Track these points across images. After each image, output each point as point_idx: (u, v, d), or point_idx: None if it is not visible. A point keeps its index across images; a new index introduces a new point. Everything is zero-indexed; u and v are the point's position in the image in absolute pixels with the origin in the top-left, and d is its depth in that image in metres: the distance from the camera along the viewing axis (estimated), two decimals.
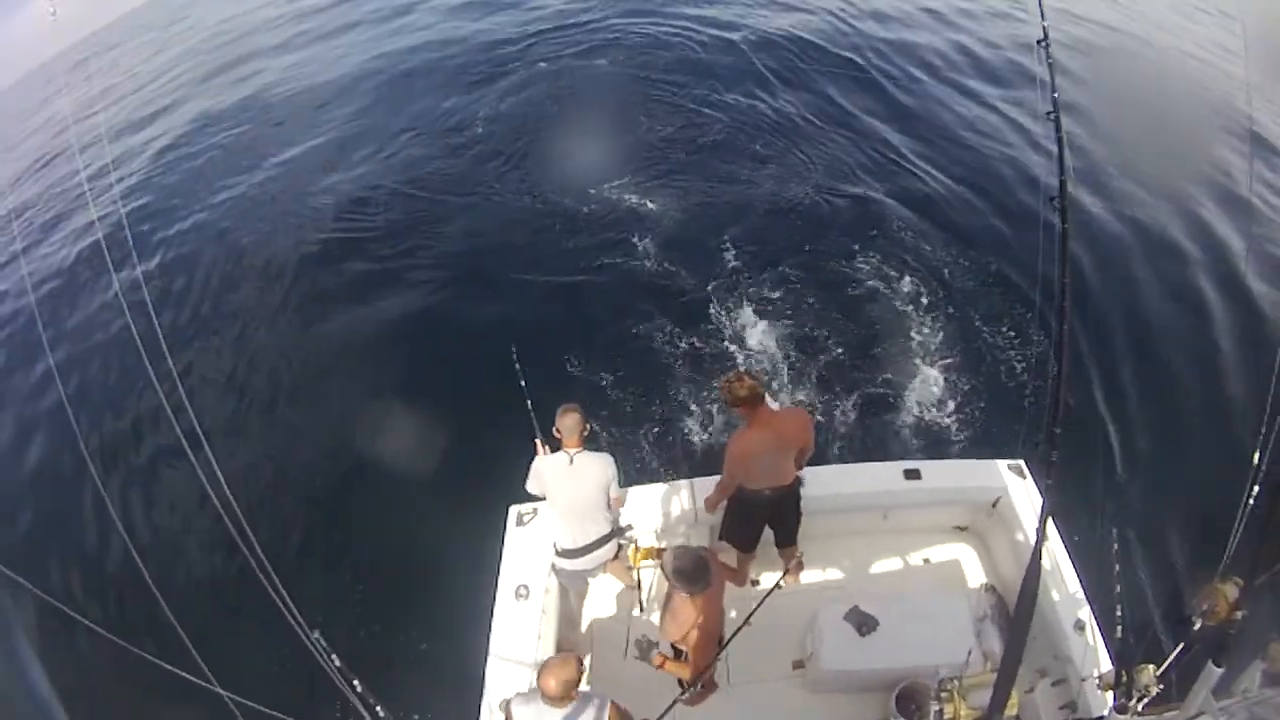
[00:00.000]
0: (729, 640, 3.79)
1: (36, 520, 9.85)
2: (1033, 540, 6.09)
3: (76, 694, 7.47)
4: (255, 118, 20.88)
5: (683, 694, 4.62)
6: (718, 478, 6.34)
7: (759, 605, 3.98)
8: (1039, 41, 3.69)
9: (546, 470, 5.75)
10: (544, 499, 5.95)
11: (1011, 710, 2.97)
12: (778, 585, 4.50)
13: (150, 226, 15.85)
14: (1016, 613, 2.83)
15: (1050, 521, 6.24)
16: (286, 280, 13.41)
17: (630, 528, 6.17)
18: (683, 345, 10.86)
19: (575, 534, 5.81)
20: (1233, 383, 10.10)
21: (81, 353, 12.56)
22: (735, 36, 19.82)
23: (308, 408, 10.81)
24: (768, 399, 5.69)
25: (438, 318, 11.78)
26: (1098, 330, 10.95)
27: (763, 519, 6.23)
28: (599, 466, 5.75)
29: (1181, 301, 11.77)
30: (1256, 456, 3.89)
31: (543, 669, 4.30)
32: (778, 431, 5.68)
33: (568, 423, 5.65)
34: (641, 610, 6.54)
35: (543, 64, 19.51)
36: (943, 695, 3.98)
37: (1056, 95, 3.05)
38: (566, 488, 5.73)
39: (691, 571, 4.89)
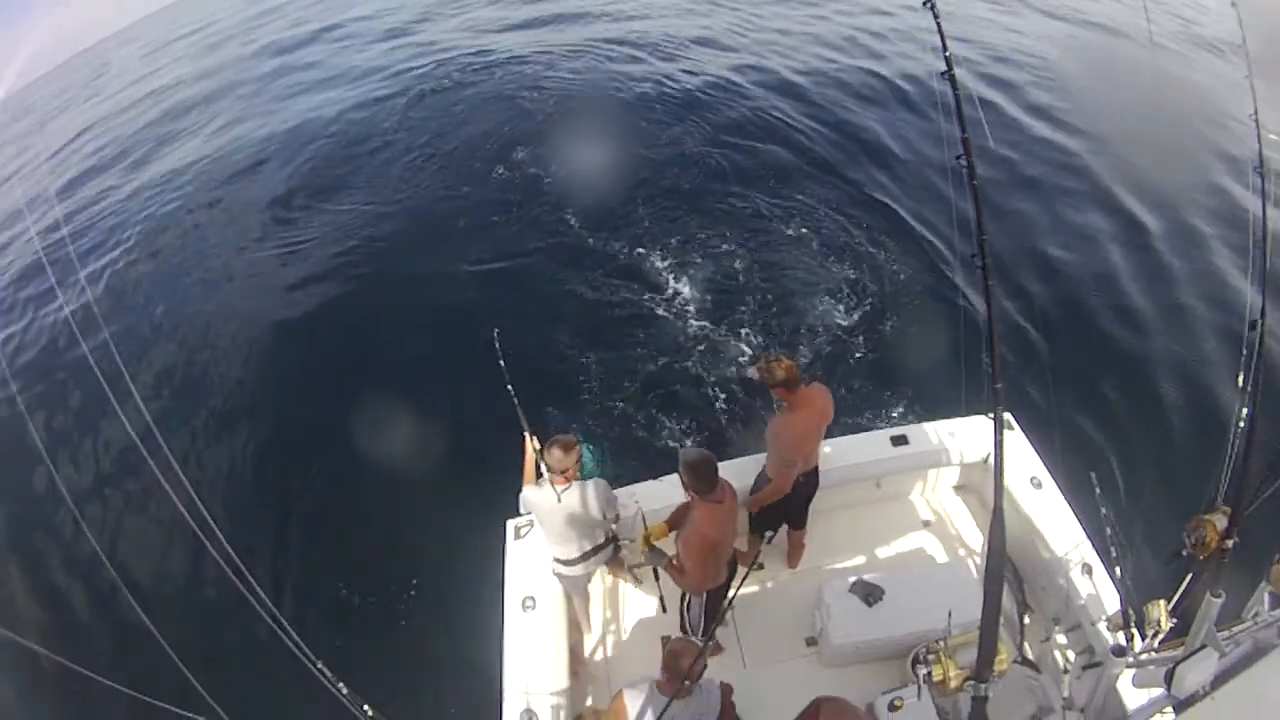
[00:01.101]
0: (732, 597, 3.75)
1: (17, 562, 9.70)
2: (1027, 493, 6.11)
3: None
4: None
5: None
6: (742, 460, 6.34)
7: (739, 585, 3.96)
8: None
9: (535, 502, 5.59)
10: None
11: (1002, 665, 2.94)
12: (757, 564, 4.46)
13: (93, 244, 16.12)
14: (987, 568, 2.81)
15: (1042, 468, 6.25)
16: (240, 285, 13.66)
17: (616, 530, 6.04)
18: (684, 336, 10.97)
19: (570, 550, 5.75)
20: (1212, 309, 10.38)
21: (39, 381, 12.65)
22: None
23: (284, 419, 10.78)
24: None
25: (408, 317, 11.88)
26: (1060, 279, 11.41)
27: (789, 504, 6.13)
28: (590, 500, 5.54)
29: (1153, 232, 12.23)
30: (1241, 378, 3.86)
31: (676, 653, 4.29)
32: (818, 410, 5.68)
33: (555, 458, 5.36)
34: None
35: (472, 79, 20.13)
36: (930, 658, 3.94)
37: (949, 54, 3.00)
38: (557, 521, 5.59)
39: (697, 463, 4.96)
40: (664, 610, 6.03)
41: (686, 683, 4.26)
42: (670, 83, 18.58)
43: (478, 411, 8.88)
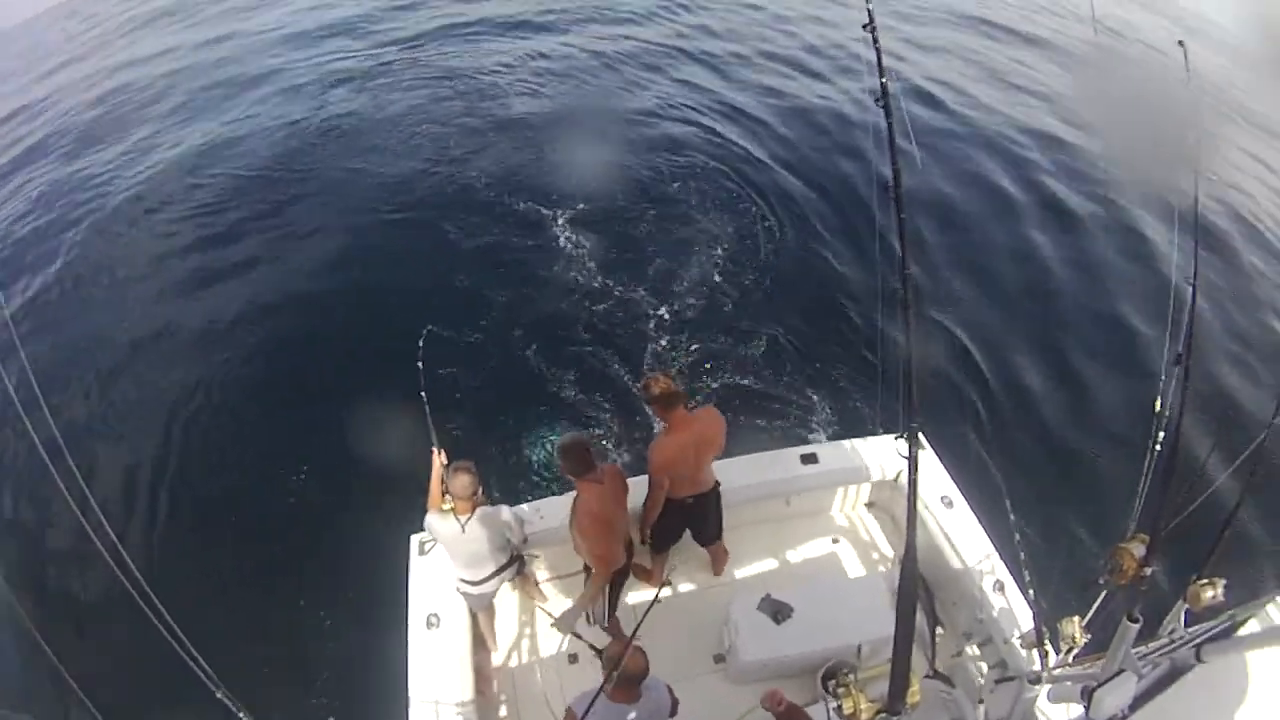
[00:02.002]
0: (642, 619, 3.75)
1: None
2: (939, 511, 6.21)
3: None
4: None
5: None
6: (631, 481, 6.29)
7: (645, 615, 3.95)
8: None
9: (439, 531, 5.54)
10: None
11: (914, 698, 2.98)
12: (657, 600, 4.49)
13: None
14: (900, 594, 2.83)
15: (953, 488, 6.37)
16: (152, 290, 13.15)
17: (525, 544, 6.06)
18: (586, 343, 10.98)
19: (476, 573, 5.74)
20: (1128, 337, 10.73)
21: None
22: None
23: (186, 427, 10.41)
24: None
25: (317, 325, 11.61)
26: (979, 289, 11.73)
27: (684, 524, 6.23)
28: (492, 528, 5.58)
29: (1069, 256, 12.68)
30: (1158, 403, 3.97)
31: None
32: (697, 433, 5.66)
33: (459, 486, 5.34)
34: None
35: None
36: (839, 690, 3.96)
37: (885, 80, 3.01)
38: (462, 549, 5.59)
39: (570, 446, 5.27)
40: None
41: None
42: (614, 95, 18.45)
43: (388, 418, 8.70)
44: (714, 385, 10.23)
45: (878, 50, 3.11)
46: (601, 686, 3.95)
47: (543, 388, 10.25)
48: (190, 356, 11.44)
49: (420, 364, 5.92)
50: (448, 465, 5.54)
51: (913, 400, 2.90)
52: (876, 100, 3.04)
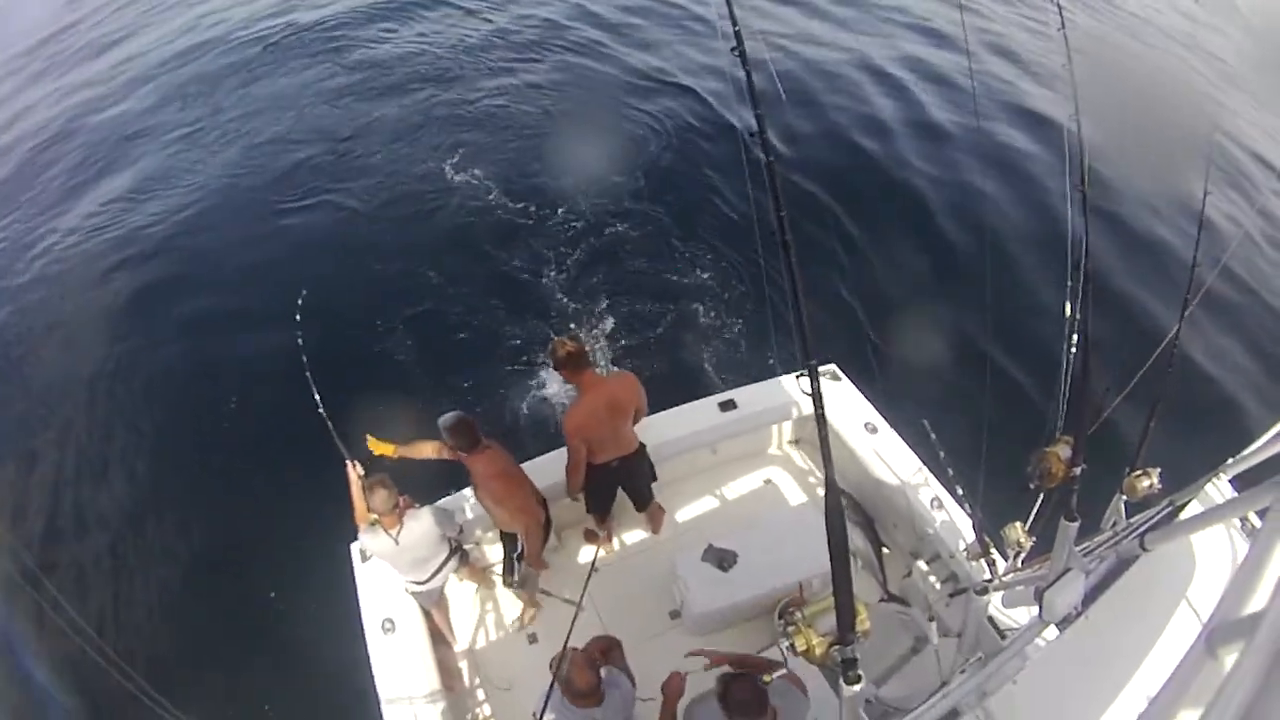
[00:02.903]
0: (583, 593, 3.77)
1: None
2: (862, 440, 6.31)
3: None
4: None
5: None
6: (554, 453, 6.33)
7: (585, 587, 3.98)
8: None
9: (374, 548, 5.59)
10: None
11: (864, 625, 3.03)
12: (594, 569, 4.52)
13: None
14: (828, 527, 2.84)
15: (875, 413, 6.50)
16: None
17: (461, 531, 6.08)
18: (481, 320, 10.75)
19: (420, 574, 5.77)
20: (1030, 260, 10.84)
21: None
22: None
23: (97, 441, 10.09)
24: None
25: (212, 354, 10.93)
26: (863, 216, 11.82)
27: (615, 487, 6.28)
28: (425, 529, 5.59)
29: (956, 173, 12.75)
30: (1068, 308, 4.06)
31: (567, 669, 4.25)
32: (609, 396, 5.68)
33: (378, 503, 5.33)
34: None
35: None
36: (790, 629, 4.03)
37: (738, 29, 2.99)
38: (403, 558, 5.62)
39: (456, 424, 5.40)
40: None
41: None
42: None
43: (298, 432, 8.55)
44: (621, 345, 10.24)
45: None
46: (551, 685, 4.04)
47: (445, 366, 10.09)
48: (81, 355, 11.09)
49: (309, 375, 5.77)
50: (364, 476, 5.51)
51: (806, 338, 2.89)
52: (732, 49, 3.01)
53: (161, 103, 17.35)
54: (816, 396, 2.87)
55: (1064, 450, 3.60)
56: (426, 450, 5.71)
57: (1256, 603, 2.09)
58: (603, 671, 4.50)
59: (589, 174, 13.07)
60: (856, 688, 2.88)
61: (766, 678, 4.34)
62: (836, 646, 2.97)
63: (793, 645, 3.73)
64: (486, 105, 15.36)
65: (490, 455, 5.54)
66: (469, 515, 6.21)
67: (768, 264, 10.02)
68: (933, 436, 5.03)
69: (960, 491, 4.86)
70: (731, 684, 3.85)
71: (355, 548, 6.05)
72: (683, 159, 13.89)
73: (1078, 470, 3.53)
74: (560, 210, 12.44)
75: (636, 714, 4.96)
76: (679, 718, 4.47)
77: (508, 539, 5.94)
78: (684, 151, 14.09)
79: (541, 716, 4.06)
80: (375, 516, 5.42)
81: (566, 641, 3.83)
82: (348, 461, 5.59)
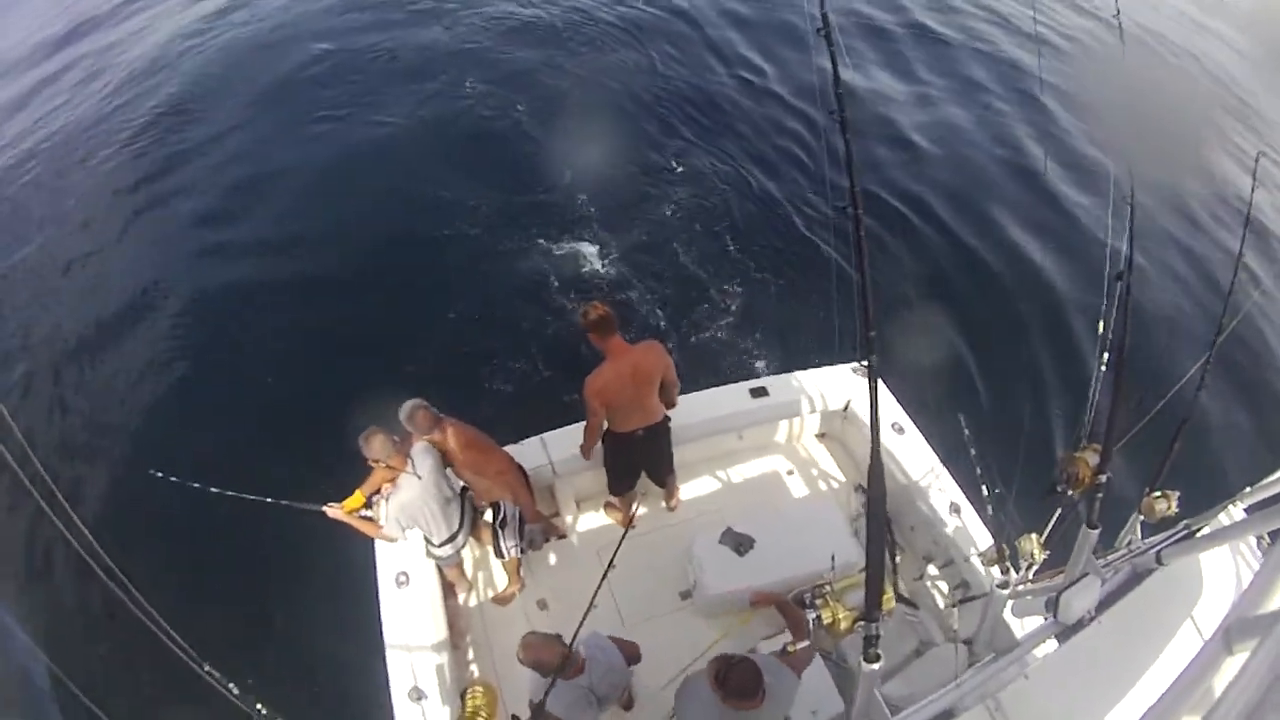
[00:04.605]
0: (599, 584, 3.82)
1: None
2: (891, 439, 6.31)
3: None
4: None
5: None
6: (571, 428, 6.38)
7: (618, 549, 4.03)
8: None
9: (411, 503, 5.53)
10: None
11: (889, 604, 3.08)
12: (632, 525, 4.56)
13: None
14: (869, 511, 2.92)
15: (903, 415, 6.48)
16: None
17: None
18: (504, 291, 10.85)
19: (442, 529, 5.78)
20: (1068, 268, 10.72)
21: None
22: None
23: (144, 407, 10.18)
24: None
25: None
26: (923, 216, 11.74)
27: (638, 460, 6.29)
28: (434, 462, 5.61)
29: (1013, 178, 12.59)
30: (1101, 326, 4.10)
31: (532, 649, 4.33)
32: (634, 364, 5.65)
33: (378, 447, 5.30)
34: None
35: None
36: (817, 601, 4.09)
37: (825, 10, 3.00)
38: (431, 501, 5.61)
39: (413, 411, 5.36)
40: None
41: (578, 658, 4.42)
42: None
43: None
44: (660, 324, 10.24)
45: None
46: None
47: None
48: (149, 316, 11.24)
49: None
50: (342, 504, 5.52)
51: (869, 327, 2.94)
52: (818, 30, 3.05)
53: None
54: (873, 382, 2.93)
55: (1092, 457, 3.63)
56: (378, 478, 5.59)
57: (1274, 603, 2.16)
58: (581, 649, 4.53)
59: (645, 145, 13.47)
60: (875, 666, 2.94)
61: (791, 647, 4.39)
62: (861, 623, 3.02)
63: (819, 617, 3.79)
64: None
65: (456, 428, 5.56)
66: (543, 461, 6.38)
67: (833, 248, 10.18)
68: (966, 433, 5.02)
69: (985, 492, 4.86)
70: (732, 669, 3.85)
71: (382, 572, 6.00)
72: (755, 134, 14.06)
73: (1103, 478, 3.57)
74: (609, 181, 12.59)
75: (633, 684, 5.11)
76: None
77: (493, 515, 6.02)
78: (757, 127, 14.26)
79: (543, 702, 4.10)
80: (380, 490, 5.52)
81: (606, 573, 3.90)
82: (323, 509, 5.52)
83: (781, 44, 16.90)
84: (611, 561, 3.89)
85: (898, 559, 6.07)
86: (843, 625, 3.99)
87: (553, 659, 4.27)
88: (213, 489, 5.52)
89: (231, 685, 3.32)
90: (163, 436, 9.58)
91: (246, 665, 3.56)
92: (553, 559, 6.60)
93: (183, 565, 8.07)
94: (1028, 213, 12.13)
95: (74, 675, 3.52)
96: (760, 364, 9.67)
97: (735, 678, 3.82)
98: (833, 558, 5.10)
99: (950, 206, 12.27)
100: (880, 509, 2.91)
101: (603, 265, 11.26)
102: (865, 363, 3.00)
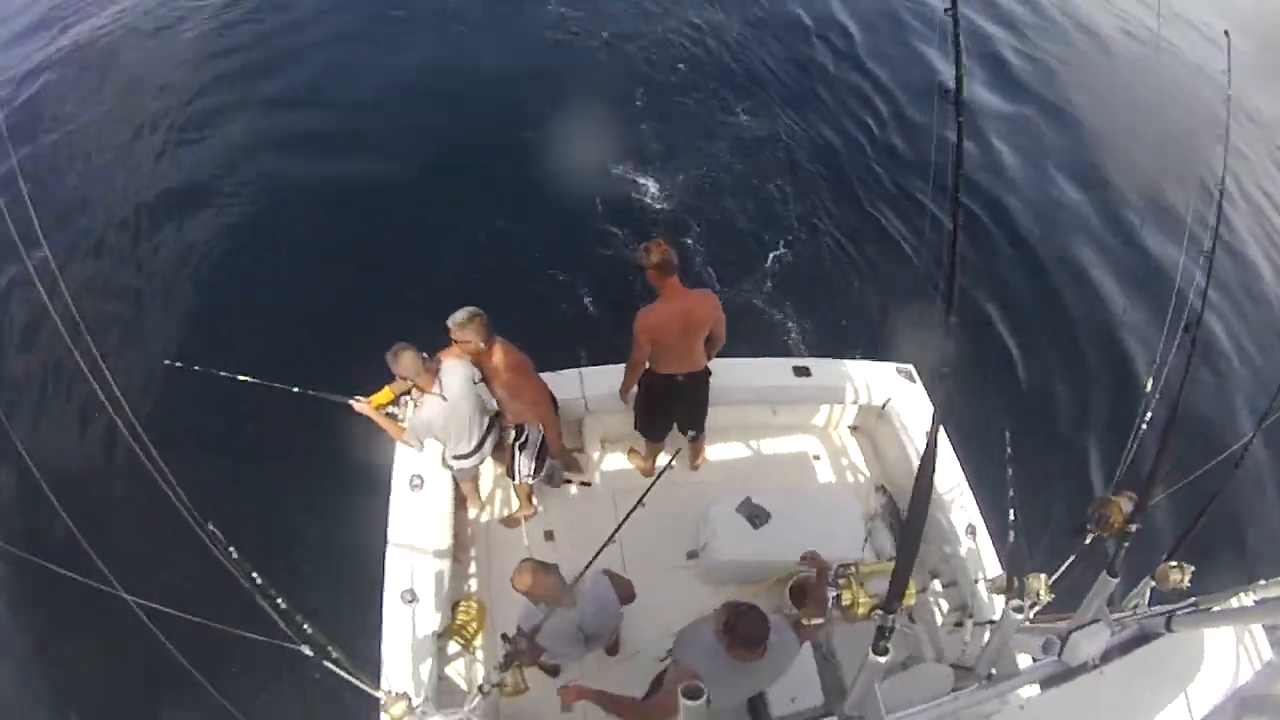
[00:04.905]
0: (622, 522, 3.82)
1: None
2: (921, 444, 6.23)
3: None
4: None
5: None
6: (610, 367, 6.40)
7: (649, 488, 4.02)
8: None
9: (433, 422, 5.47)
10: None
11: (910, 600, 3.06)
12: (670, 465, 4.54)
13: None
14: (911, 508, 2.90)
15: (940, 427, 6.44)
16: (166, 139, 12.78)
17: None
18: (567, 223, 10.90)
19: (463, 443, 5.76)
20: (1133, 309, 10.47)
21: None
22: None
23: (195, 295, 10.29)
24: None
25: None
26: (1002, 239, 11.47)
27: (673, 405, 6.26)
28: (463, 379, 5.54)
29: (1090, 227, 12.26)
30: (1150, 384, 4.04)
31: (526, 575, 4.32)
32: (687, 308, 5.63)
33: (407, 363, 5.24)
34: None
35: None
36: (840, 581, 4.07)
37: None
38: (454, 424, 5.58)
39: (475, 315, 5.25)
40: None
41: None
42: None
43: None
44: (708, 274, 10.25)
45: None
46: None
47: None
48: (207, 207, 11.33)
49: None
50: (370, 399, 5.57)
51: (948, 333, 2.88)
52: (946, 10, 2.97)
53: None
54: (940, 398, 2.89)
55: (1126, 504, 3.59)
56: (402, 385, 5.60)
57: None
58: (587, 580, 4.53)
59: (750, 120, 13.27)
60: (882, 660, 2.93)
61: (806, 621, 4.41)
62: (879, 612, 3.00)
63: (839, 596, 3.77)
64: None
65: (505, 347, 5.49)
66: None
67: (905, 237, 10.44)
68: (1009, 451, 4.93)
69: (1011, 517, 4.79)
70: (741, 616, 3.82)
71: (398, 471, 6.05)
72: (850, 104, 14.08)
73: (1133, 528, 3.53)
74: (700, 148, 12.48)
75: (621, 629, 5.20)
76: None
77: (515, 436, 5.96)
78: (856, 97, 14.29)
79: (536, 629, 4.13)
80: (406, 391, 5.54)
81: (620, 525, 3.89)
82: (350, 403, 5.57)
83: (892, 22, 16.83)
84: (640, 501, 3.88)
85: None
86: (860, 610, 4.00)
87: (545, 589, 4.30)
88: (240, 377, 5.69)
89: (232, 550, 3.33)
90: (200, 315, 9.83)
91: (252, 539, 3.58)
92: (570, 491, 6.63)
93: (206, 441, 8.27)
94: (1107, 246, 11.96)
95: (87, 533, 3.51)
96: (797, 338, 9.63)
97: (743, 626, 3.81)
98: (865, 541, 5.07)
99: (1031, 224, 12.07)
100: (924, 502, 2.90)
101: (660, 203, 11.33)
102: (944, 370, 2.92)
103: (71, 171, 12.11)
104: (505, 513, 6.55)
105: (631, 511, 3.82)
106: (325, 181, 11.36)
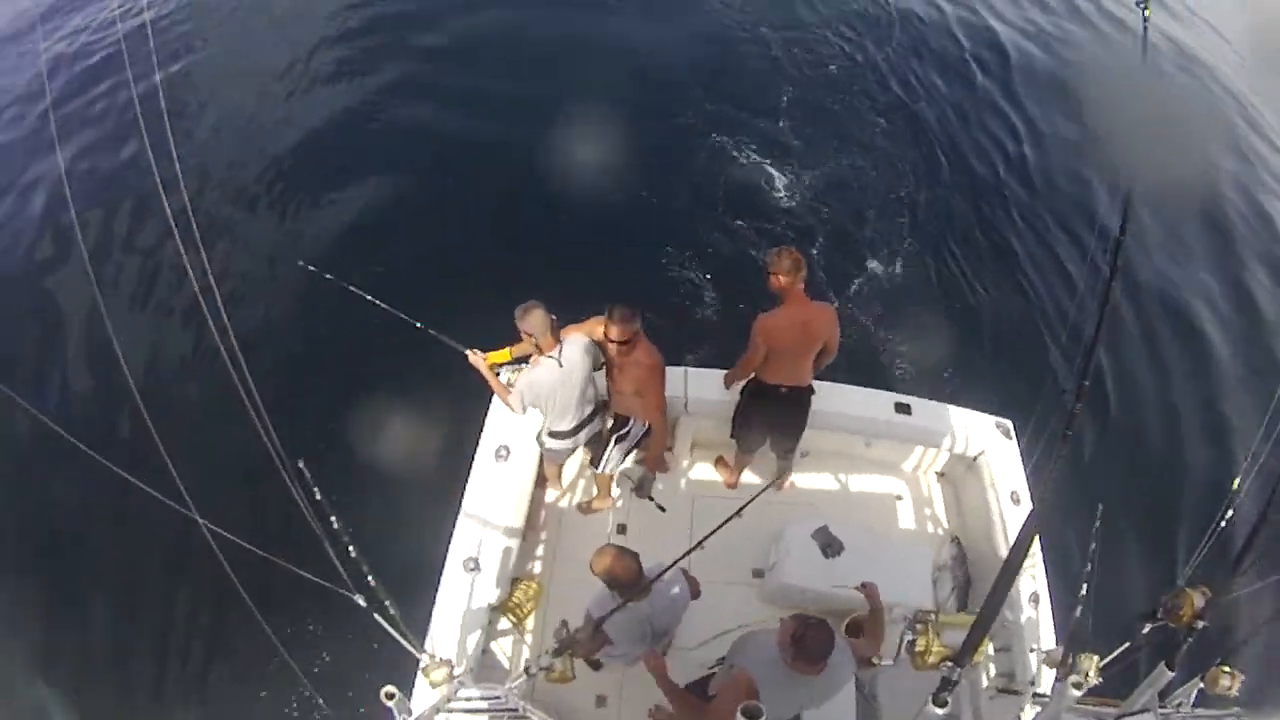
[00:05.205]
0: (709, 535, 3.82)
1: (27, 331, 9.49)
2: (1007, 505, 6.13)
3: (54, 508, 7.69)
4: None
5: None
6: (717, 371, 6.38)
7: (749, 502, 4.00)
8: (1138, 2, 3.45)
9: (542, 385, 5.40)
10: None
11: (980, 657, 3.04)
12: (765, 489, 4.53)
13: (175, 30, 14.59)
14: (1004, 568, 2.87)
15: (1025, 485, 6.30)
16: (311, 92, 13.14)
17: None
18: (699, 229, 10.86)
19: (567, 420, 5.71)
20: (1233, 399, 10.04)
21: (90, 150, 11.81)
22: None
23: (328, 214, 10.74)
24: None
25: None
26: (1129, 309, 10.90)
27: (771, 417, 6.21)
28: (582, 351, 5.47)
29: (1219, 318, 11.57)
30: (1237, 482, 3.94)
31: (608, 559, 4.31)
32: (808, 319, 5.61)
33: (536, 321, 5.19)
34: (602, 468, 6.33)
35: None
36: (918, 626, 4.05)
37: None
38: (561, 394, 5.51)
39: (629, 313, 5.14)
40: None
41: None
42: None
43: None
44: (821, 282, 10.13)
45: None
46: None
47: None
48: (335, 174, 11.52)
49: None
50: (487, 354, 5.56)
51: (1081, 397, 2.80)
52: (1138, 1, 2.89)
53: None
54: (1054, 457, 2.85)
55: (1199, 598, 3.52)
56: (527, 348, 5.53)
57: None
58: (665, 576, 4.51)
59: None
60: (940, 711, 2.91)
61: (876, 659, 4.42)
62: (948, 663, 2.99)
63: (914, 641, 3.76)
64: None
65: (648, 347, 5.42)
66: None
67: (1037, 287, 10.24)
68: (1097, 524, 4.82)
69: (1083, 591, 4.67)
70: (809, 629, 3.83)
71: (486, 438, 6.11)
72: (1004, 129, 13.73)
73: (1201, 624, 3.45)
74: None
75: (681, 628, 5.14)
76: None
77: (615, 426, 5.92)
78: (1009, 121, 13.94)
79: (603, 619, 4.13)
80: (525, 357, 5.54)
81: (706, 538, 3.78)
82: (466, 353, 5.55)
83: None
84: (738, 513, 3.80)
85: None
86: (931, 658, 3.97)
87: (626, 575, 4.30)
88: (369, 296, 5.77)
89: (316, 490, 3.44)
90: (328, 229, 10.30)
91: (332, 479, 3.66)
92: (657, 487, 6.69)
93: (307, 368, 8.64)
94: (1234, 337, 11.17)
95: (169, 447, 3.60)
96: (896, 367, 9.52)
97: (811, 638, 3.82)
98: (935, 586, 4.99)
99: (1159, 305, 11.35)
100: (1023, 550, 2.87)
101: (788, 201, 11.38)
102: (1066, 431, 2.87)
103: (215, 88, 12.78)
104: (584, 499, 6.63)
105: (725, 524, 3.76)
106: (477, 138, 11.69)
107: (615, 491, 6.52)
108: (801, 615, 3.99)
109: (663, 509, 6.55)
